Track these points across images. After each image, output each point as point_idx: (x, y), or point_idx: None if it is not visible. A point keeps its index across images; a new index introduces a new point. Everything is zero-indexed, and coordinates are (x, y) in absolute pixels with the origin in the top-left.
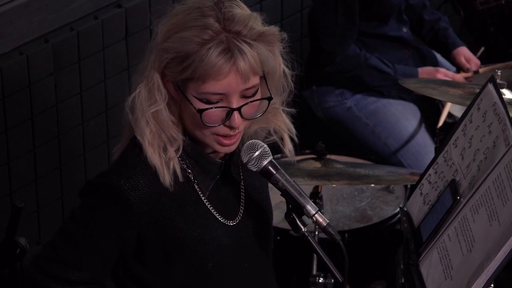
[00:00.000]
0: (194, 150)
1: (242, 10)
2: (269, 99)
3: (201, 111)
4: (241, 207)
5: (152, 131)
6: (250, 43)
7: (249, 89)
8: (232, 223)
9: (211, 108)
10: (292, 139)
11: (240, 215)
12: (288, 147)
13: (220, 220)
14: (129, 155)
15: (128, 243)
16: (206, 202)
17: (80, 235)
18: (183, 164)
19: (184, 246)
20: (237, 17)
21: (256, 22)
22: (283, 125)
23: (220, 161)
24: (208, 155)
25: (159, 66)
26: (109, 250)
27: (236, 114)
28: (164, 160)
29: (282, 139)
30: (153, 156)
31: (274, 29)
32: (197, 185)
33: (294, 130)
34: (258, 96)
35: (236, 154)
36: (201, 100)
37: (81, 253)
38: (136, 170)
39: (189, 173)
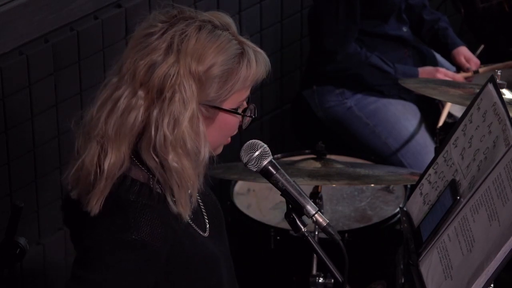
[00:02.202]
0: None
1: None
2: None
3: (254, 114)
4: (204, 216)
5: (199, 170)
6: (246, 37)
7: None
8: (207, 234)
9: (250, 108)
10: None
11: (207, 225)
12: None
13: (202, 235)
14: (127, 204)
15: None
16: (190, 221)
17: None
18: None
19: (194, 273)
20: (225, 21)
21: (229, 17)
22: None
23: None
24: None
25: (201, 98)
26: None
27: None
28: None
29: None
30: (195, 194)
31: None
32: None
33: None
34: None
35: None
36: (237, 109)
37: None
38: (147, 217)
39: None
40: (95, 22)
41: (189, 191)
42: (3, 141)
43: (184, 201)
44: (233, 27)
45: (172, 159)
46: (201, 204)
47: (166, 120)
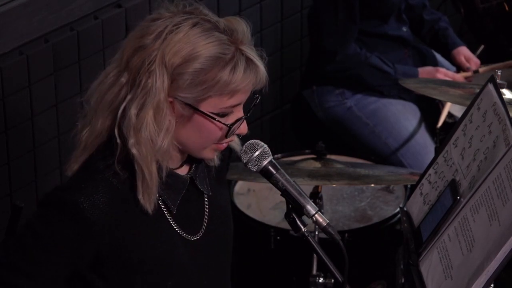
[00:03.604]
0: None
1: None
2: (261, 94)
3: (232, 125)
4: (204, 220)
5: (160, 157)
6: (251, 48)
7: None
8: (194, 238)
9: (238, 120)
10: None
11: (203, 229)
12: (236, 140)
13: (182, 235)
14: (92, 170)
15: (84, 260)
16: (170, 218)
17: (34, 246)
18: None
19: (144, 266)
20: (232, 26)
21: (243, 25)
22: None
23: (186, 175)
24: (174, 170)
25: (173, 92)
26: (62, 264)
27: (244, 120)
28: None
29: None
30: (154, 185)
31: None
32: (163, 201)
33: None
34: None
35: (201, 166)
36: (217, 114)
37: (33, 263)
38: (99, 188)
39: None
40: (95, 22)
41: (150, 184)
42: (3, 141)
43: (145, 190)
44: (239, 34)
45: (132, 144)
46: (206, 205)
47: (134, 104)
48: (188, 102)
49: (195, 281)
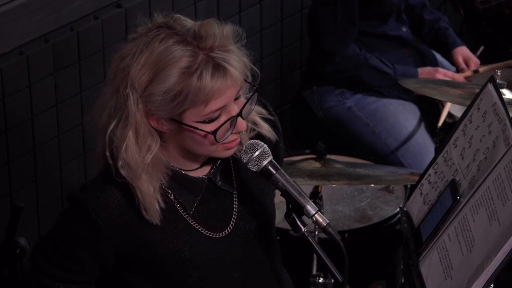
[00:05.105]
0: (175, 172)
1: (191, 22)
2: (257, 89)
3: (215, 132)
4: (233, 217)
5: (147, 175)
6: (227, 49)
7: (238, 91)
8: (219, 235)
9: (222, 125)
10: (266, 119)
11: (231, 226)
12: (265, 127)
13: (205, 234)
14: (105, 176)
15: (105, 257)
16: (189, 218)
17: (59, 239)
18: (163, 186)
19: (163, 262)
20: (202, 32)
21: (215, 28)
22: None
23: (203, 176)
24: (188, 174)
25: (147, 112)
26: (85, 259)
27: (239, 119)
28: (157, 197)
29: (255, 123)
30: (151, 198)
31: (231, 27)
32: (179, 203)
33: (264, 110)
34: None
35: (224, 163)
36: (203, 122)
37: (62, 255)
38: (108, 192)
39: (169, 193)
40: (95, 22)
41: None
42: (3, 141)
43: (143, 206)
44: (210, 39)
45: (120, 166)
46: (235, 201)
47: (119, 126)
48: (170, 117)
49: (224, 275)
